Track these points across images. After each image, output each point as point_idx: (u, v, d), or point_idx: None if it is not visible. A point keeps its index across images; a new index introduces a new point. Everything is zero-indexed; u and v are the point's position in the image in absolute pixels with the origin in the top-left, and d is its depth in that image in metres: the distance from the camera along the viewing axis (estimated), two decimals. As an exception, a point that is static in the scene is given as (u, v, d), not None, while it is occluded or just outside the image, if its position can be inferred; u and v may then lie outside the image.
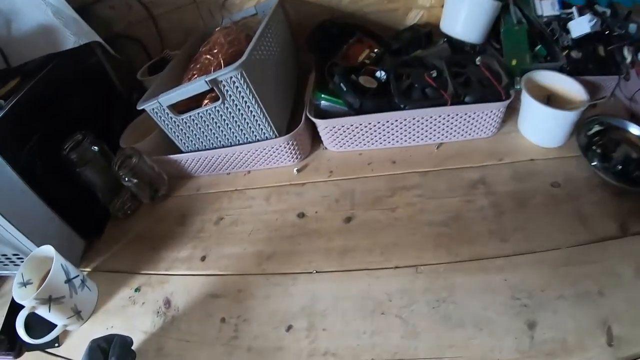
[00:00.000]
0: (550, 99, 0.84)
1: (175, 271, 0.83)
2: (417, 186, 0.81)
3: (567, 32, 0.87)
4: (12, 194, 0.78)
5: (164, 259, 0.86)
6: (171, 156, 0.95)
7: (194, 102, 0.84)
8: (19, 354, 0.79)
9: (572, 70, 0.85)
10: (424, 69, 0.85)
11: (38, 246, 0.79)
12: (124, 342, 0.64)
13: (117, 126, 1.04)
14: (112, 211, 0.97)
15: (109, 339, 0.64)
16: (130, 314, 0.78)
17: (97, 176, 0.92)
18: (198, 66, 0.88)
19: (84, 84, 1.00)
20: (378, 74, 0.88)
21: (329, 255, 0.75)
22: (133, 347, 0.66)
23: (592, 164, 0.75)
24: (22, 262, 0.82)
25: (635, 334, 0.55)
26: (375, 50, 0.94)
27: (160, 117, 0.85)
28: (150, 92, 0.86)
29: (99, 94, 1.06)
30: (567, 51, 0.87)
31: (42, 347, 0.79)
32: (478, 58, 0.86)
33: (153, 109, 0.83)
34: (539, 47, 0.89)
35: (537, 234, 0.69)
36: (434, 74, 0.84)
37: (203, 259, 0.82)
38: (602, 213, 0.70)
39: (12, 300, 0.86)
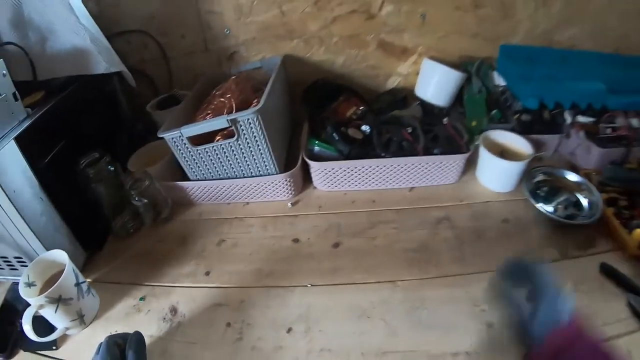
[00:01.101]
0: (503, 153, 1.01)
1: (180, 284, 0.89)
2: (393, 221, 0.96)
3: (518, 99, 1.06)
4: (31, 198, 0.82)
5: (167, 273, 0.92)
6: (179, 182, 1.05)
7: (206, 138, 0.95)
8: (10, 356, 0.79)
9: (522, 130, 1.03)
10: (400, 126, 1.03)
11: (46, 251, 0.82)
12: (139, 338, 0.68)
13: (122, 150, 1.11)
14: (115, 228, 1.01)
15: (124, 336, 0.67)
16: (135, 321, 0.83)
17: (107, 193, 0.97)
18: (212, 107, 1.01)
19: (98, 107, 1.09)
20: (364, 127, 1.04)
21: (321, 273, 0.86)
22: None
23: (537, 204, 0.92)
24: (23, 266, 0.87)
25: None
26: (361, 107, 1.11)
27: (177, 146, 0.96)
28: (167, 124, 0.96)
29: (109, 118, 1.14)
30: (518, 115, 1.06)
31: (39, 348, 0.80)
32: (445, 119, 1.04)
33: (172, 138, 0.94)
34: (495, 111, 1.08)
35: (491, 258, 0.84)
36: (409, 130, 1.01)
37: (207, 273, 0.90)
38: (544, 243, 0.87)
39: (3, 305, 0.88)
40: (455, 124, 1.04)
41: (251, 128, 0.90)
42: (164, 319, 0.82)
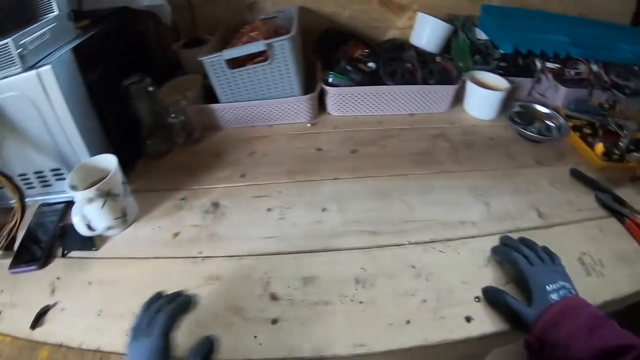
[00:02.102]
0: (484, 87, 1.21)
1: (219, 185, 0.98)
2: (398, 135, 1.14)
3: (497, 48, 1.27)
4: (81, 107, 0.88)
5: (204, 178, 1.01)
6: (212, 105, 1.16)
7: (237, 65, 1.09)
8: (44, 264, 0.81)
9: (501, 73, 1.23)
10: (402, 62, 1.22)
11: (90, 155, 0.88)
12: (177, 308, 0.60)
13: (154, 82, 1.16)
14: (148, 149, 1.09)
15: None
16: (178, 216, 0.90)
17: (146, 112, 1.06)
18: (244, 39, 1.15)
19: (133, 42, 1.17)
20: (370, 64, 1.22)
21: (344, 170, 1.01)
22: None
23: (516, 127, 1.12)
24: (59, 179, 0.92)
25: (556, 213, 0.87)
26: (366, 50, 1.29)
27: (215, 70, 1.10)
28: (203, 54, 1.09)
29: (142, 54, 1.23)
30: (496, 61, 1.26)
31: (80, 248, 0.84)
32: (438, 57, 1.24)
33: (212, 62, 1.08)
34: (477, 57, 1.28)
35: (481, 161, 1.03)
36: (410, 65, 1.21)
37: (243, 175, 1.01)
38: (523, 154, 1.06)
39: (31, 225, 0.90)
40: (446, 62, 1.23)
41: (284, 52, 1.05)
42: (207, 212, 0.91)
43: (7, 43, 0.75)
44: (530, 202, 0.90)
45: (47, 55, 0.84)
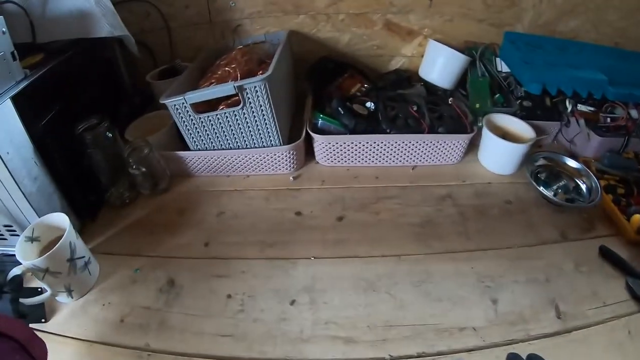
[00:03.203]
0: (505, 136, 1.01)
1: (178, 254, 0.86)
2: (397, 197, 0.96)
3: (521, 85, 1.07)
4: (26, 162, 0.79)
5: (164, 243, 0.89)
6: (179, 152, 1.02)
7: (209, 107, 0.94)
8: None
9: (524, 115, 1.04)
10: (406, 103, 1.03)
11: (38, 218, 0.79)
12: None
13: (122, 119, 1.08)
14: (110, 198, 0.99)
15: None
16: (130, 292, 0.80)
17: (104, 160, 0.94)
18: (216, 76, 0.99)
19: (97, 74, 1.05)
20: (368, 104, 1.04)
21: (325, 245, 0.85)
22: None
23: (539, 188, 0.93)
24: (13, 235, 0.84)
25: (578, 311, 0.71)
26: (365, 85, 1.10)
27: (180, 114, 0.94)
28: (169, 92, 0.94)
29: (109, 87, 1.11)
30: (520, 100, 1.07)
31: (28, 320, 0.76)
32: (450, 99, 1.04)
33: (175, 105, 0.92)
34: (497, 95, 1.09)
35: (495, 235, 0.85)
36: (415, 107, 1.01)
37: (206, 244, 0.88)
38: (546, 223, 0.88)
39: None
40: (460, 104, 1.04)
41: (258, 96, 0.88)
42: (161, 290, 0.80)
43: None
44: (548, 295, 0.74)
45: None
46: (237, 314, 0.74)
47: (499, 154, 1.00)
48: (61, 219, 0.78)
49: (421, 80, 1.14)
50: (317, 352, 0.68)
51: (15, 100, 0.76)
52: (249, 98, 0.89)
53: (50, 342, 0.69)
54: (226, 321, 0.73)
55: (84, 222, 0.94)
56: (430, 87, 1.13)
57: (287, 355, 0.67)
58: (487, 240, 0.85)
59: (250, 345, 0.69)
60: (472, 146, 1.05)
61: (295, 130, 1.06)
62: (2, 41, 0.76)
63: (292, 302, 0.75)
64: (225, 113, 0.93)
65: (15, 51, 0.79)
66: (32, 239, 0.77)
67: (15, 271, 0.71)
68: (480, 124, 1.01)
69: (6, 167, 0.74)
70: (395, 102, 1.04)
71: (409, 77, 1.16)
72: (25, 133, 0.78)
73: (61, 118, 0.87)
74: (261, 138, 0.97)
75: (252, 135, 0.97)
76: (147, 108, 1.16)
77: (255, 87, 0.87)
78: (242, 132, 0.96)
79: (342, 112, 0.99)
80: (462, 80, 1.13)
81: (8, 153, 0.74)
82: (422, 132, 0.98)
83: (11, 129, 0.76)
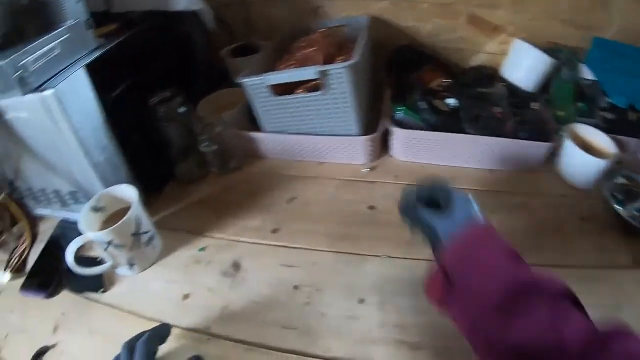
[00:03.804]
0: (584, 148, 0.97)
1: (245, 238, 0.86)
2: (472, 201, 0.94)
3: (605, 95, 1.02)
4: (95, 131, 0.80)
5: (231, 225, 0.89)
6: (254, 133, 1.02)
7: (285, 89, 0.93)
8: (53, 294, 0.78)
9: (606, 128, 0.99)
10: (489, 103, 1.00)
11: (103, 188, 0.80)
12: (156, 331, 0.61)
13: (195, 94, 1.08)
14: (178, 174, 1.00)
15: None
16: (193, 271, 0.80)
17: (176, 135, 0.94)
18: (295, 58, 0.98)
19: (172, 46, 1.05)
20: (449, 100, 1.01)
21: (397, 244, 0.82)
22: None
23: (615, 206, 0.90)
24: (76, 203, 0.87)
25: None
26: (446, 80, 1.07)
27: (257, 94, 0.93)
28: (248, 71, 0.94)
29: (183, 60, 1.10)
30: (602, 112, 1.02)
31: (85, 289, 0.78)
32: (534, 103, 1.01)
33: (253, 85, 0.91)
34: (581, 104, 1.04)
35: (567, 251, 0.81)
36: (499, 109, 0.99)
37: (275, 231, 0.87)
38: (619, 244, 0.83)
39: (49, 242, 0.88)
40: (544, 110, 1.00)
41: (341, 82, 0.87)
42: (225, 273, 0.80)
43: (1, 66, 0.64)
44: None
45: (56, 74, 0.73)
46: (302, 307, 0.73)
47: (578, 167, 0.96)
48: (129, 191, 0.79)
49: (503, 79, 1.10)
50: (379, 355, 0.66)
51: (89, 68, 0.76)
52: (332, 84, 0.87)
53: (106, 315, 0.75)
54: (292, 313, 0.72)
55: (149, 196, 0.94)
56: (512, 88, 1.08)
57: (352, 355, 0.66)
58: (559, 254, 0.81)
59: (314, 341, 0.68)
60: (550, 154, 1.01)
61: (372, 119, 1.04)
62: (77, 8, 0.77)
63: (361, 301, 0.74)
64: (305, 97, 0.91)
65: (90, 19, 0.79)
66: (97, 209, 0.78)
67: (77, 242, 0.72)
68: (564, 133, 0.97)
69: (75, 134, 0.75)
70: (478, 100, 1.01)
71: (491, 74, 1.12)
72: (96, 102, 0.79)
73: (133, 89, 0.87)
74: (339, 126, 0.96)
75: (329, 122, 0.96)
76: (221, 84, 1.16)
77: (339, 73, 0.85)
78: (320, 118, 0.95)
79: (424, 107, 0.97)
80: (544, 86, 1.08)
81: (78, 121, 0.75)
82: (505, 136, 0.95)
83: (83, 97, 0.77)
